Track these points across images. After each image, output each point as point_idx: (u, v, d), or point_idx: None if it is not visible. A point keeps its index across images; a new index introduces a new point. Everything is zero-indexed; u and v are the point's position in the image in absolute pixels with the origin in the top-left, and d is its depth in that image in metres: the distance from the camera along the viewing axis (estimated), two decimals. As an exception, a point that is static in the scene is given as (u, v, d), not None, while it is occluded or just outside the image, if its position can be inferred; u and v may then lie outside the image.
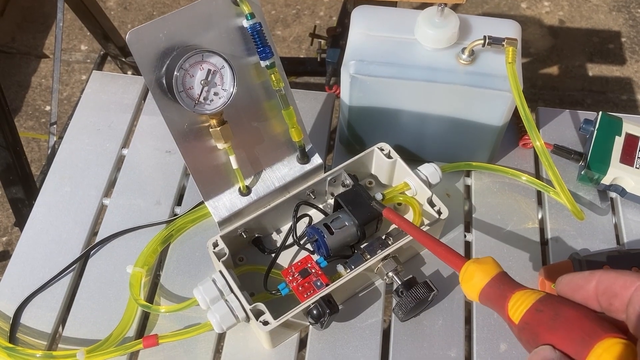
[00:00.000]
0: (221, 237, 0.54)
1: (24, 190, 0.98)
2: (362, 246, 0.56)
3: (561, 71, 1.68)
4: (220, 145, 0.53)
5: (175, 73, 0.48)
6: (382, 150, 0.60)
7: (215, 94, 0.50)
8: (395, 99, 0.58)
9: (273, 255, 0.57)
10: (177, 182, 0.64)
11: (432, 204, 0.57)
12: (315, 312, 0.51)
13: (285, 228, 0.60)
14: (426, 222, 0.57)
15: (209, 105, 0.50)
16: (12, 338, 0.54)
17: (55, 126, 1.03)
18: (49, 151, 1.03)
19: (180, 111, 0.50)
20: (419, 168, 0.59)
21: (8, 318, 0.55)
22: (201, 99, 0.50)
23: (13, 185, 0.97)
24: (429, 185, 0.58)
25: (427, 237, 0.45)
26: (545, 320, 0.32)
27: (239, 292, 0.51)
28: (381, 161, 0.60)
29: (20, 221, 1.02)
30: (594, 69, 1.67)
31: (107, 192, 0.64)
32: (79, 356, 0.51)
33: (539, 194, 0.64)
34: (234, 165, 0.54)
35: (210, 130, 0.52)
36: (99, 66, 1.37)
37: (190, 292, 0.57)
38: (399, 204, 0.61)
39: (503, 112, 0.57)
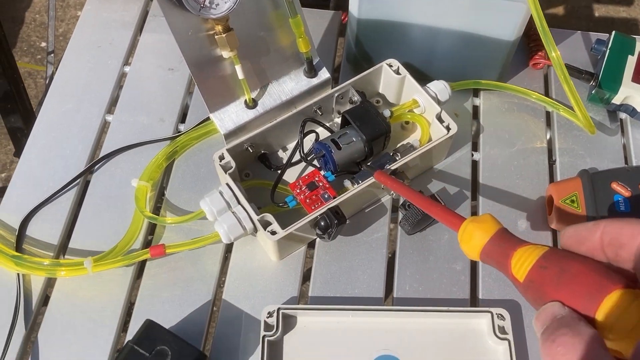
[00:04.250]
0: (227, 150, 0.53)
1: (23, 119, 0.96)
2: (369, 163, 0.56)
3: (567, 12, 1.64)
4: (226, 54, 0.51)
5: (180, -27, 0.46)
6: (390, 66, 0.58)
7: (221, -3, 0.49)
8: (406, 11, 0.56)
9: (279, 172, 0.56)
10: (181, 99, 0.63)
11: (441, 120, 0.56)
12: (322, 223, 0.51)
13: (291, 146, 0.59)
14: (434, 139, 0.57)
15: (215, 10, 0.49)
16: (18, 249, 0.54)
17: (52, 55, 1.01)
18: (47, 81, 1.01)
19: (185, 16, 0.49)
20: (428, 85, 0.58)
21: (13, 230, 0.55)
22: (207, 3, 0.48)
23: (11, 114, 0.95)
24: (438, 102, 0.57)
25: (423, 198, 0.44)
26: (550, 277, 0.31)
27: (246, 203, 0.51)
28: (389, 78, 0.59)
29: (20, 151, 1.01)
30: (600, 10, 1.64)
31: (110, 109, 0.63)
32: (86, 264, 0.51)
33: (548, 115, 0.63)
34: (240, 76, 0.52)
35: (216, 37, 0.50)
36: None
37: (195, 207, 0.56)
38: (407, 122, 0.60)
39: (516, 25, 0.55)
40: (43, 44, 1.60)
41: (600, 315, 0.28)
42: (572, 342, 0.28)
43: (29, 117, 0.97)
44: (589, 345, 0.27)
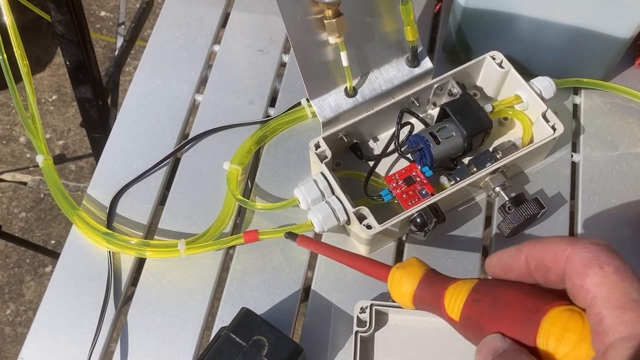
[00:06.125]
0: (323, 138, 0.52)
1: (92, 90, 0.96)
2: (466, 159, 0.54)
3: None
4: (332, 40, 0.50)
5: (296, -46, 0.44)
6: (494, 58, 0.56)
7: (335, -19, 0.47)
8: (516, 1, 0.53)
9: (370, 163, 0.55)
10: (270, 82, 0.62)
11: (546, 119, 0.53)
12: (419, 220, 0.49)
13: (383, 136, 0.58)
14: (536, 138, 0.54)
15: (329, -7, 0.47)
16: (109, 226, 0.54)
17: (122, 27, 1.01)
18: (117, 52, 1.01)
19: (296, -1, 0.47)
20: (532, 81, 0.56)
21: (104, 207, 0.55)
22: (321, -15, 0.46)
23: (82, 84, 0.95)
24: (542, 100, 0.55)
25: (346, 254, 0.41)
26: (485, 309, 0.30)
27: (342, 194, 0.50)
28: (491, 71, 0.56)
29: (87, 122, 1.02)
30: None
31: (199, 89, 0.62)
32: (180, 246, 0.50)
33: (652, 119, 0.60)
34: (345, 63, 0.51)
35: (325, 21, 0.49)
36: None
37: (285, 194, 0.56)
38: (505, 119, 0.58)
39: (635, 21, 0.52)
40: (103, 13, 1.60)
41: (541, 339, 0.27)
42: None
43: (97, 89, 0.97)
44: None
